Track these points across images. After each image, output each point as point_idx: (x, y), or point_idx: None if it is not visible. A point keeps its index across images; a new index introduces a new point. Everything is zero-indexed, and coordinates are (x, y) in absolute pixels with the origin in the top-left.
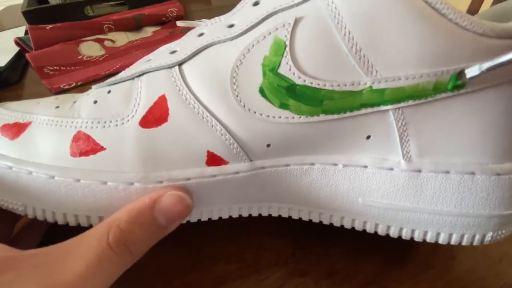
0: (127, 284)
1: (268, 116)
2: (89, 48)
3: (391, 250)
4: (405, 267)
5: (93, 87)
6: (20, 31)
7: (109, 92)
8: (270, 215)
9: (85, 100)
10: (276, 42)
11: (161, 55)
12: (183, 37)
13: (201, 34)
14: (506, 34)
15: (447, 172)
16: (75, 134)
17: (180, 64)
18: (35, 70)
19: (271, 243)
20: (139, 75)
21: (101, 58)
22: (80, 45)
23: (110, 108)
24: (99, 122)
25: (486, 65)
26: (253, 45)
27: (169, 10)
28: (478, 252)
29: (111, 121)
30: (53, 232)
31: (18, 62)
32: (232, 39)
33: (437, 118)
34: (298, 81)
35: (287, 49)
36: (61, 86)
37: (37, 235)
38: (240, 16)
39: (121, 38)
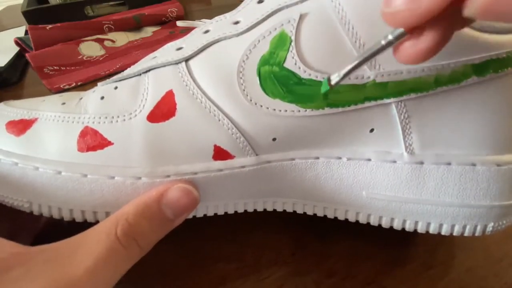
0: (127, 284)
1: (274, 109)
2: (89, 48)
3: (391, 250)
4: (405, 267)
5: (99, 84)
6: (20, 31)
7: (115, 88)
8: (274, 210)
9: (91, 96)
10: (282, 37)
11: (167, 51)
12: (188, 35)
13: (206, 31)
14: (503, 29)
15: (449, 163)
16: (82, 130)
17: (186, 60)
18: (35, 70)
19: (271, 243)
20: (146, 71)
21: (101, 58)
22: (80, 45)
23: (117, 103)
24: (106, 118)
25: (343, 71)
26: (259, 41)
27: (169, 10)
28: (478, 252)
29: (118, 116)
30: (46, 233)
31: (18, 62)
32: (238, 35)
33: (439, 110)
34: (304, 75)
35: (293, 44)
36: (61, 86)
37: (28, 236)
38: (245, 13)
39: (121, 38)
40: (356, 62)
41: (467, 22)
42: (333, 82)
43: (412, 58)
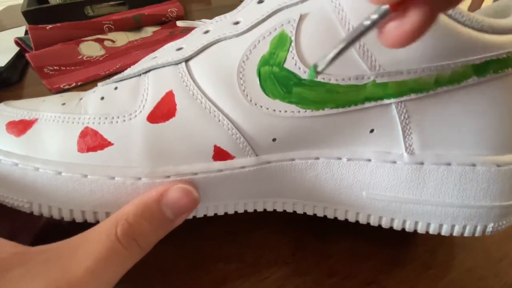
0: (127, 284)
1: (274, 110)
2: (89, 48)
3: (391, 250)
4: (405, 267)
5: (99, 84)
6: (20, 31)
7: (115, 88)
8: (274, 210)
9: (91, 96)
10: (282, 38)
11: (167, 52)
12: (188, 35)
13: (206, 32)
14: (503, 30)
15: (449, 164)
16: (83, 130)
17: (186, 60)
18: (35, 70)
19: (271, 243)
20: (146, 72)
21: (101, 58)
22: (80, 45)
23: (117, 104)
24: (106, 118)
25: (328, 57)
26: (259, 41)
27: (169, 10)
28: (478, 252)
29: (118, 117)
30: (46, 233)
31: (18, 62)
32: (238, 35)
33: (439, 111)
34: (304, 76)
35: (293, 44)
36: (61, 86)
37: (29, 236)
38: (245, 13)
39: (121, 38)
40: (341, 46)
41: (452, 3)
42: (319, 69)
43: (397, 40)
